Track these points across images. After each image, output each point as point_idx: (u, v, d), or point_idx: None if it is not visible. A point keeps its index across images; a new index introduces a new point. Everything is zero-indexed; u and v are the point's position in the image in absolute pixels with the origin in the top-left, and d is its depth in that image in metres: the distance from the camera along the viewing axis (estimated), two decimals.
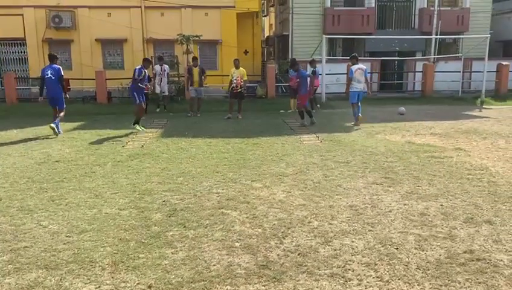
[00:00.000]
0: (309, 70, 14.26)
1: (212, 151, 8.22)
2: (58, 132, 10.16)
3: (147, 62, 11.23)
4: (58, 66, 10.45)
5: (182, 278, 3.45)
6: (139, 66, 10.92)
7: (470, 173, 6.52)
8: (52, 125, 9.99)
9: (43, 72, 10.36)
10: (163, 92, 14.72)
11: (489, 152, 7.99)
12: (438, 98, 18.26)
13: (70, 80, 18.39)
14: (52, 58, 10.51)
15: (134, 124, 10.72)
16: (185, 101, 16.67)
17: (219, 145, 8.79)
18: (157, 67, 14.56)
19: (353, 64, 11.81)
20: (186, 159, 7.60)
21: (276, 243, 4.10)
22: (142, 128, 10.75)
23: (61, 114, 10.48)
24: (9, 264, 3.70)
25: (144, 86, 11.03)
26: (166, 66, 14.81)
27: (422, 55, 21.54)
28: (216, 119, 12.66)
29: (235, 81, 13.00)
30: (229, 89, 13.42)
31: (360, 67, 11.68)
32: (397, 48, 21.32)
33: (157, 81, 14.35)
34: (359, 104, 11.69)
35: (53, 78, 10.19)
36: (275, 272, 3.55)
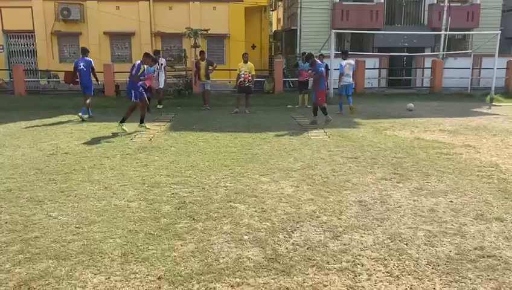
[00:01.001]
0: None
1: (220, 145, 8.22)
2: (82, 116, 11.31)
3: (147, 57, 9.89)
4: (90, 59, 11.81)
5: (191, 270, 3.45)
6: (139, 61, 9.88)
7: (480, 170, 6.48)
8: (80, 114, 11.39)
9: (76, 63, 11.73)
10: (160, 86, 13.81)
11: (499, 149, 7.92)
12: (446, 94, 18.11)
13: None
14: (84, 52, 11.96)
15: (122, 122, 9.74)
16: (193, 95, 16.68)
17: (227, 139, 8.78)
18: None
19: (343, 59, 12.60)
20: (194, 152, 7.61)
21: (284, 237, 4.09)
22: (143, 127, 9.92)
23: (88, 101, 11.76)
24: (20, 254, 3.72)
25: (143, 81, 10.21)
26: (163, 60, 14.23)
27: (431, 52, 21.36)
28: (223, 114, 12.65)
29: (242, 75, 12.99)
30: (236, 83, 13.40)
31: (349, 62, 12.62)
32: (406, 44, 21.16)
33: (154, 76, 13.49)
34: (350, 96, 12.68)
35: (85, 69, 11.57)
36: (283, 265, 3.55)
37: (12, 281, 3.28)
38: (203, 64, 13.68)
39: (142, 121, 10.11)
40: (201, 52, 14.12)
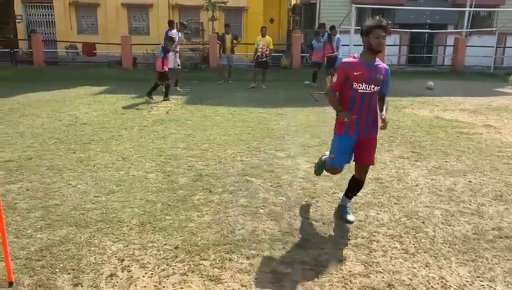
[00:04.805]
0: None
1: (236, 120, 8.21)
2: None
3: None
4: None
5: (207, 240, 3.50)
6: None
7: (500, 150, 6.36)
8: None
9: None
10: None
11: None
12: (468, 73, 17.68)
13: (96, 44, 18.52)
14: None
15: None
16: (209, 69, 16.61)
17: (243, 114, 8.76)
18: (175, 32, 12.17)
19: (335, 35, 12.58)
20: (210, 126, 7.62)
21: (300, 212, 4.10)
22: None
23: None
24: (41, 220, 3.81)
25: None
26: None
27: (454, 29, 20.76)
28: (240, 88, 12.58)
29: (260, 49, 12.84)
30: (253, 57, 13.27)
31: None
32: (428, 20, 20.58)
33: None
34: None
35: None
36: (299, 239, 3.57)
37: (34, 245, 3.37)
38: (228, 37, 13.57)
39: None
40: (227, 26, 14.01)
